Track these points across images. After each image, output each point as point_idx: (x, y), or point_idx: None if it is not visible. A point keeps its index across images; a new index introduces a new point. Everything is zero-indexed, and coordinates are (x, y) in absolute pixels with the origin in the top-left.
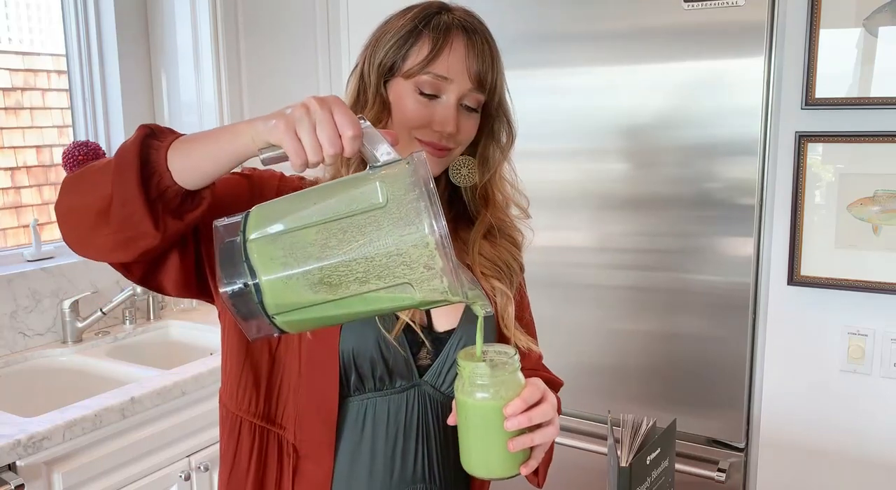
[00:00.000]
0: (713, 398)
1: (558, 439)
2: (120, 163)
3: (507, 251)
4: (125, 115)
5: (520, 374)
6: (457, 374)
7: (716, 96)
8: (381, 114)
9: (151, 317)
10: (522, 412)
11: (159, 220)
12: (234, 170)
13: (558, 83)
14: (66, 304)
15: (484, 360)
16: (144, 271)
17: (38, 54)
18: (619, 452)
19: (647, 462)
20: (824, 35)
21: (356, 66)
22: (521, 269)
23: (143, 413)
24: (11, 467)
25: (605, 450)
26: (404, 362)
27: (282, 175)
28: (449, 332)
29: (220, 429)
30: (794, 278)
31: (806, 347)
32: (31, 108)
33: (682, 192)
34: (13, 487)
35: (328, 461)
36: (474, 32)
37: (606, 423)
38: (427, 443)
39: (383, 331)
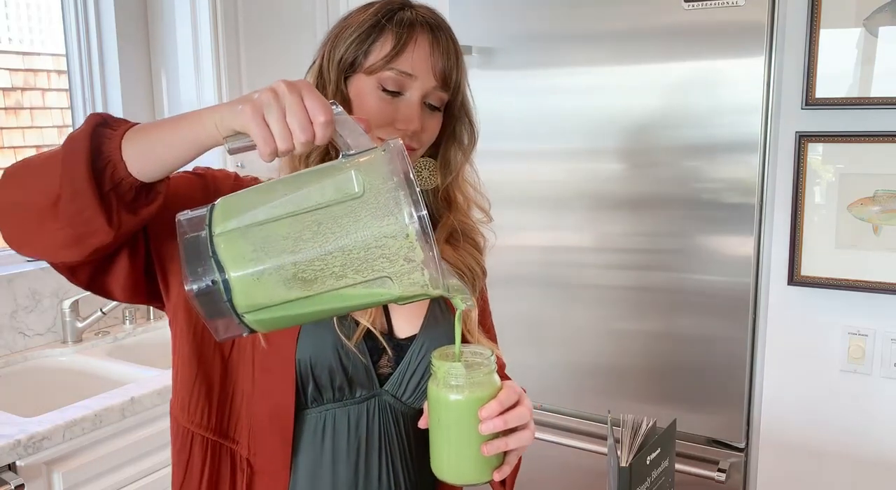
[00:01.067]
0: (713, 398)
1: (558, 439)
2: (69, 153)
3: (470, 255)
4: (125, 115)
5: (496, 376)
6: (430, 374)
7: (716, 96)
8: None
9: (151, 317)
10: (498, 415)
11: (113, 215)
12: (186, 169)
13: (558, 83)
14: (66, 304)
15: (460, 360)
16: (91, 274)
17: (38, 54)
18: (619, 452)
19: (647, 462)
20: (824, 35)
21: (314, 62)
22: (484, 273)
23: (143, 413)
24: (11, 467)
25: (605, 450)
26: (364, 371)
27: (236, 175)
28: (410, 339)
29: (171, 443)
30: (794, 278)
31: (806, 347)
32: (31, 108)
33: (682, 192)
34: (13, 487)
35: (284, 477)
36: (439, 29)
37: (606, 423)
38: (391, 455)
39: (343, 337)
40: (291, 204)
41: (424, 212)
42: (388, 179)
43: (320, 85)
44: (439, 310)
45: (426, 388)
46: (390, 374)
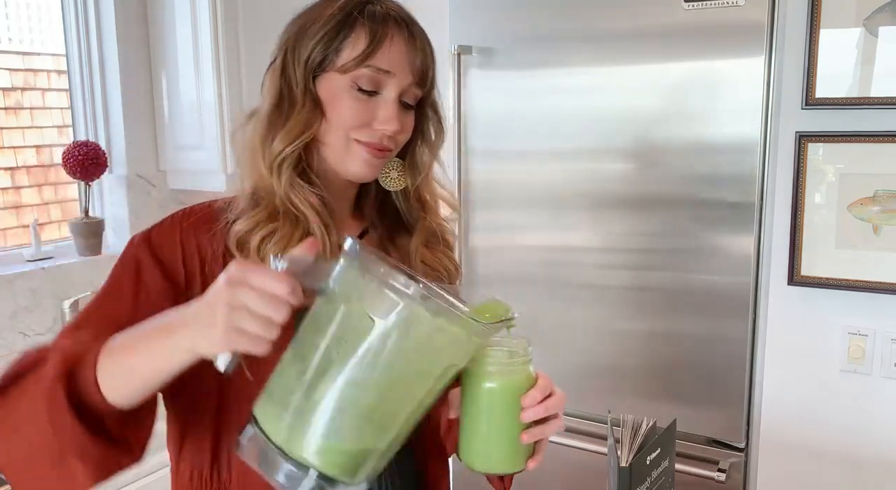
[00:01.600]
0: (713, 398)
1: (558, 439)
2: (53, 416)
3: (445, 256)
4: (125, 115)
5: (532, 367)
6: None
7: (716, 96)
8: (314, 114)
9: None
10: (539, 403)
11: (133, 448)
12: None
13: (558, 83)
14: (66, 304)
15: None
16: None
17: (38, 54)
18: (619, 452)
19: (647, 462)
20: (824, 35)
21: (273, 61)
22: (458, 270)
23: None
24: None
25: (605, 450)
26: None
27: (210, 204)
28: None
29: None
30: (794, 278)
31: (806, 347)
32: (31, 108)
33: (682, 192)
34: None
35: None
36: (412, 23)
37: (606, 423)
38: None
39: None
40: (326, 379)
41: (420, 286)
42: (377, 288)
43: (285, 87)
44: None
45: None
46: None
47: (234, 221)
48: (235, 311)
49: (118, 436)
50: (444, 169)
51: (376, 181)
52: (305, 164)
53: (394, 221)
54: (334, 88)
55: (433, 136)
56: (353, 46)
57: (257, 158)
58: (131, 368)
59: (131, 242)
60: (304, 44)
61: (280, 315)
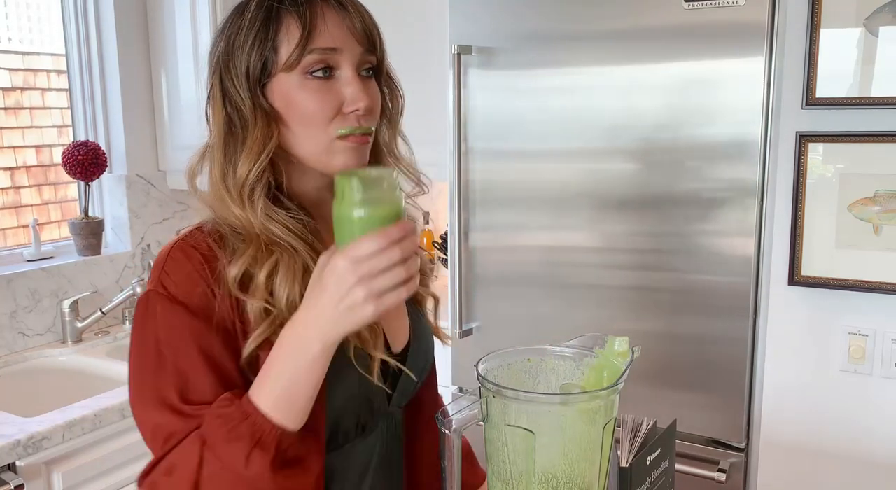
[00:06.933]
0: (713, 398)
1: None
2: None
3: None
4: (125, 114)
5: (398, 194)
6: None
7: (716, 96)
8: (268, 128)
9: None
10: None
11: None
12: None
13: (558, 83)
14: (66, 304)
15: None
16: None
17: (38, 54)
18: (619, 453)
19: (648, 462)
20: (825, 35)
21: (209, 93)
22: (432, 262)
23: None
24: (11, 467)
25: None
26: (385, 399)
27: (207, 247)
28: (405, 349)
29: None
30: (794, 278)
31: (806, 347)
32: (31, 108)
33: (682, 192)
34: (13, 487)
35: None
36: None
37: None
38: (390, 468)
39: (370, 378)
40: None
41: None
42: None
43: (233, 113)
44: (411, 308)
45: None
46: (393, 390)
47: (228, 264)
48: (367, 282)
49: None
50: (408, 144)
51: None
52: (276, 189)
53: None
54: (286, 89)
55: (390, 106)
56: (288, 38)
57: (222, 194)
58: (300, 399)
59: (150, 307)
60: (237, 58)
61: (409, 271)
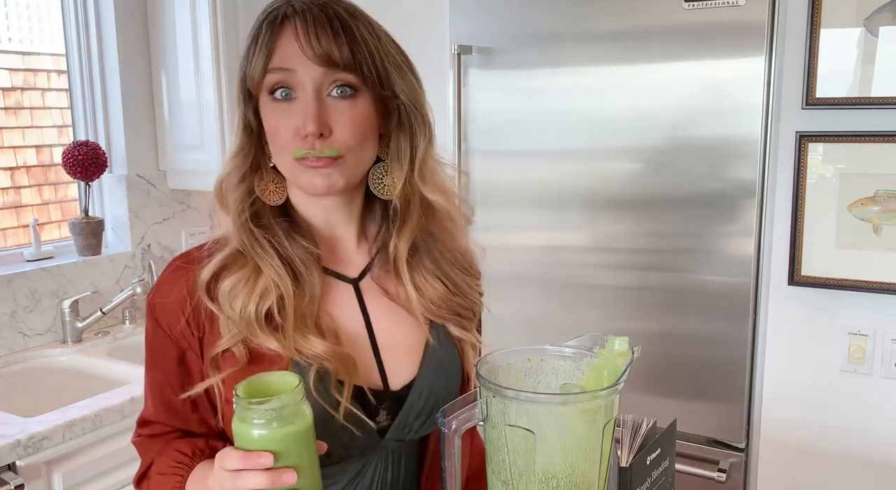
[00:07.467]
0: (713, 398)
1: None
2: None
3: (463, 281)
4: (125, 114)
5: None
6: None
7: (716, 96)
8: (247, 139)
9: None
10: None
11: None
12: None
13: (558, 83)
14: (66, 304)
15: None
16: None
17: (38, 54)
18: (619, 453)
19: (647, 462)
20: (825, 35)
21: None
22: (481, 294)
23: None
24: (11, 467)
25: None
26: (363, 431)
27: (203, 255)
28: (408, 386)
29: None
30: (794, 278)
31: (806, 347)
32: (31, 108)
33: (682, 192)
34: (13, 487)
35: None
36: (323, 8)
37: None
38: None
39: (333, 413)
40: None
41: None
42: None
43: (240, 118)
44: (437, 341)
45: (430, 423)
46: (389, 425)
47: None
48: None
49: None
50: (446, 171)
51: (366, 190)
52: (271, 210)
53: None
54: (263, 110)
55: (415, 129)
56: (257, 57)
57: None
58: None
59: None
60: (239, 70)
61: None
